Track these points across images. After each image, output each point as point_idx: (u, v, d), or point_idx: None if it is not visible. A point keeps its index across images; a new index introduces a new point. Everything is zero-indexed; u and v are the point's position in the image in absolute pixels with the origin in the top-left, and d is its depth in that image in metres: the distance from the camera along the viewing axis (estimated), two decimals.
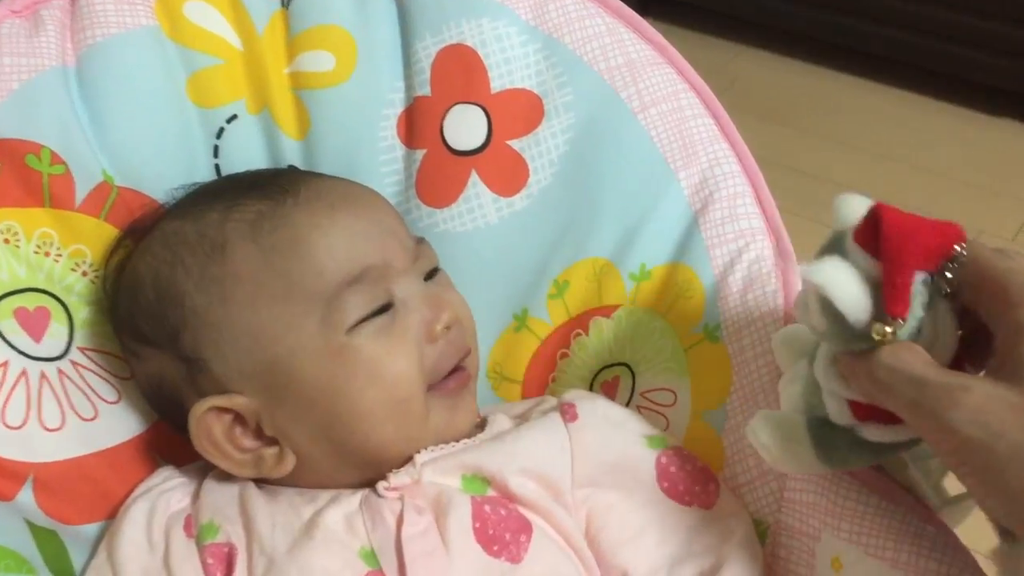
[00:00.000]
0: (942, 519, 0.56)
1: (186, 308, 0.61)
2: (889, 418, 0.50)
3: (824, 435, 0.53)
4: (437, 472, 0.61)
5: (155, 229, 0.65)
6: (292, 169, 0.71)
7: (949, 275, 0.48)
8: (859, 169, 1.82)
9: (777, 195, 0.73)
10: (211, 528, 0.60)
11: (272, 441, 0.62)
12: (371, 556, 0.57)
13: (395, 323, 0.61)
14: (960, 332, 0.50)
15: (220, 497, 0.62)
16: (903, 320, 0.47)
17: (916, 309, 0.48)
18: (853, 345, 0.49)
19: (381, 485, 0.60)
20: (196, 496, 0.63)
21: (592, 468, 0.64)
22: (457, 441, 0.64)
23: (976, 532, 0.54)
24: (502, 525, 0.59)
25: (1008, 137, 1.94)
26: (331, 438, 0.61)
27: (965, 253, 0.48)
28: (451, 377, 0.64)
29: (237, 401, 0.61)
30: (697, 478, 0.65)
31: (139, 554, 0.60)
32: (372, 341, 0.60)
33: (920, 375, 0.46)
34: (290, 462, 0.61)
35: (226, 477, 0.64)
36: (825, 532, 0.58)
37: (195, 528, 0.60)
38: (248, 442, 0.62)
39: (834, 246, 0.50)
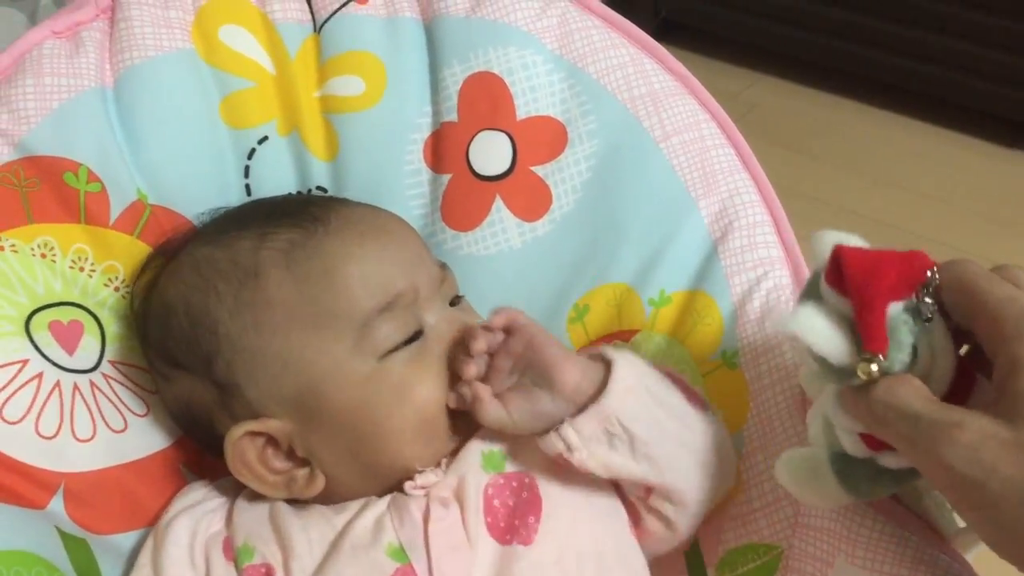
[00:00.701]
0: (954, 547, 0.56)
1: (220, 335, 0.63)
2: None
3: (846, 468, 0.53)
4: (461, 459, 0.62)
5: (184, 254, 0.66)
6: (319, 196, 0.73)
7: (928, 300, 0.48)
8: (873, 197, 1.82)
9: (792, 223, 0.74)
10: (247, 551, 0.61)
11: (303, 462, 0.63)
12: (400, 552, 0.58)
13: (425, 349, 0.63)
14: (963, 348, 0.51)
15: (251, 517, 0.63)
16: (883, 356, 0.47)
17: (903, 338, 0.48)
18: (848, 382, 0.49)
19: (408, 485, 0.61)
20: (229, 517, 0.64)
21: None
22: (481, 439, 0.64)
23: (990, 561, 0.55)
24: (509, 515, 0.60)
25: (1021, 168, 1.94)
26: (360, 458, 0.62)
27: (938, 277, 0.49)
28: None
29: (270, 425, 0.62)
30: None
31: (184, 572, 0.61)
32: (403, 366, 0.62)
33: (914, 411, 0.46)
34: (320, 483, 0.63)
35: (255, 496, 0.65)
36: (839, 558, 0.59)
37: (233, 551, 0.61)
38: (280, 464, 0.63)
39: (811, 289, 0.51)
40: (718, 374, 0.70)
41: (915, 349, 0.48)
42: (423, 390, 0.62)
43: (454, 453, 0.63)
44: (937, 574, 0.55)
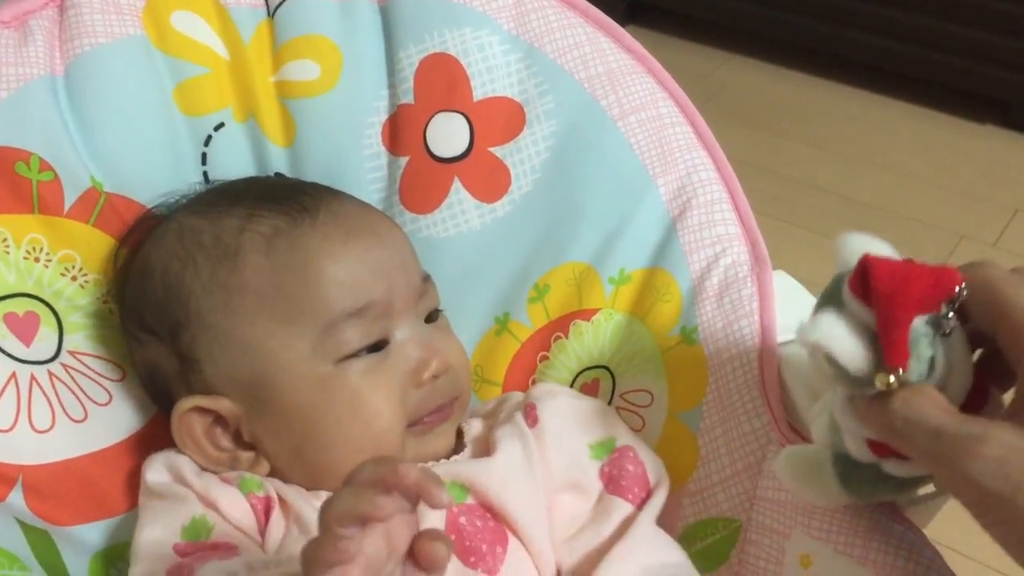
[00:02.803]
0: (909, 518, 0.57)
1: (190, 308, 0.63)
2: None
3: (849, 471, 0.53)
4: None
5: (173, 220, 0.67)
6: (315, 185, 0.72)
7: (951, 315, 0.47)
8: (844, 175, 1.83)
9: (762, 201, 0.74)
10: (254, 482, 0.61)
11: (249, 446, 0.63)
12: None
13: (385, 363, 0.63)
14: (977, 354, 0.50)
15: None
16: (903, 370, 0.46)
17: (923, 350, 0.47)
18: (863, 390, 0.48)
19: None
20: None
21: (548, 477, 0.65)
22: (436, 460, 0.65)
23: (941, 527, 0.55)
24: (478, 536, 0.60)
25: (991, 143, 1.96)
26: (303, 457, 0.62)
27: (965, 293, 0.47)
28: (432, 416, 0.65)
29: (221, 404, 0.62)
30: (636, 481, 0.67)
31: (184, 491, 0.61)
32: (359, 376, 0.62)
33: (935, 425, 0.45)
34: (264, 468, 0.63)
35: None
36: (796, 530, 0.60)
37: (234, 481, 0.61)
38: (225, 443, 0.64)
39: (834, 293, 0.50)
40: (677, 350, 0.70)
41: (932, 361, 0.47)
42: (375, 403, 0.62)
43: None
44: (891, 543, 0.55)
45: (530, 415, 0.67)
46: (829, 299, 0.50)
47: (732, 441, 0.66)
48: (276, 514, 0.60)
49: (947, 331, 0.47)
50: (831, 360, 0.49)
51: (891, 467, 0.51)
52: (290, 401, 0.61)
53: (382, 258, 0.65)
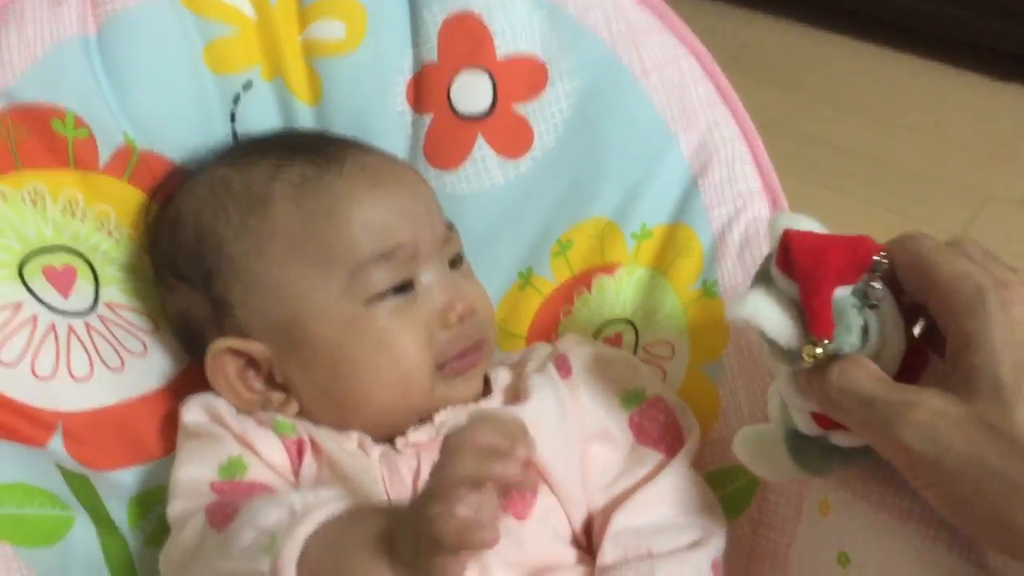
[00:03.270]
0: None
1: (222, 254, 0.65)
2: None
3: (799, 446, 0.54)
4: (449, 421, 0.64)
5: (203, 172, 0.69)
6: (341, 137, 0.73)
7: (876, 284, 0.49)
8: (868, 135, 1.82)
9: (785, 160, 0.75)
10: (287, 425, 0.63)
11: (280, 388, 0.65)
12: None
13: (412, 304, 0.64)
14: (918, 325, 0.51)
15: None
16: (829, 340, 0.48)
17: (851, 320, 0.49)
18: (797, 364, 0.50)
19: (399, 441, 0.63)
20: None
21: (581, 426, 0.66)
22: (466, 404, 0.66)
23: None
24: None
25: (1016, 102, 1.93)
26: (332, 395, 0.64)
27: (885, 262, 0.49)
28: (461, 359, 0.66)
29: (253, 347, 0.64)
30: (668, 431, 0.67)
31: (221, 430, 0.63)
32: (387, 316, 0.63)
33: (868, 393, 0.47)
34: (293, 409, 0.65)
35: None
36: (815, 478, 0.61)
37: (269, 423, 0.63)
38: (258, 385, 0.66)
39: (764, 272, 0.52)
40: (699, 303, 0.72)
41: (865, 330, 0.49)
42: (402, 342, 0.63)
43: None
44: (908, 489, 0.55)
45: (563, 367, 0.68)
46: (759, 279, 0.52)
47: (752, 392, 0.67)
48: (308, 457, 0.62)
49: (875, 302, 0.49)
50: (763, 335, 0.50)
51: (837, 438, 0.52)
52: (320, 341, 0.63)
53: (407, 204, 0.66)
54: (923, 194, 1.68)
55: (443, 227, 0.68)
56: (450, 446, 0.47)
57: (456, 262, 0.69)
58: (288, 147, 0.68)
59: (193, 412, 0.65)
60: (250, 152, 0.69)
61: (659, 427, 0.67)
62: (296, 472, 0.62)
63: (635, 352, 0.75)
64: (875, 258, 0.49)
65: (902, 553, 0.56)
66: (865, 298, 0.49)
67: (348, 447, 0.63)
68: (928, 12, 1.98)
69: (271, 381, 0.65)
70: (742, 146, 0.74)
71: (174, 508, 0.61)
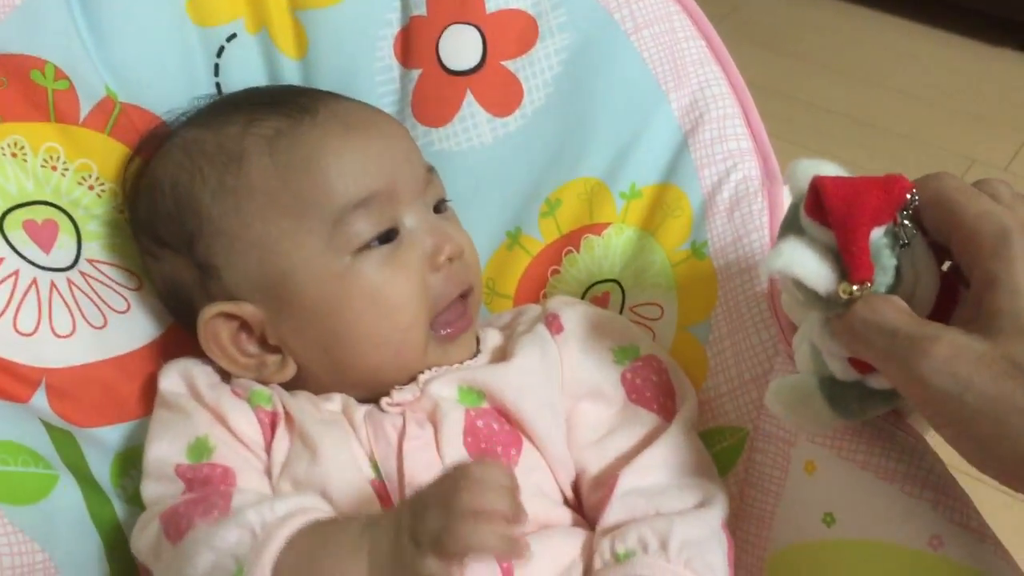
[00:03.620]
0: (912, 424, 0.58)
1: (202, 216, 0.63)
2: None
3: (836, 393, 0.54)
4: (436, 386, 0.64)
5: (176, 135, 0.67)
6: (312, 89, 0.72)
7: (907, 223, 0.49)
8: (857, 98, 1.82)
9: (774, 123, 0.74)
10: (263, 395, 0.63)
11: (275, 349, 0.64)
12: (374, 466, 0.60)
13: (399, 251, 0.63)
14: (945, 264, 0.51)
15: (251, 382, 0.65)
16: (870, 283, 0.48)
17: (885, 260, 0.48)
18: (835, 310, 0.50)
19: (384, 401, 0.63)
20: (230, 380, 0.65)
21: (571, 382, 0.66)
22: (459, 363, 0.66)
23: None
24: (493, 439, 0.62)
25: (1005, 66, 1.93)
26: (329, 354, 0.63)
27: (917, 200, 0.49)
28: (453, 323, 0.65)
29: (245, 309, 0.63)
30: (661, 390, 0.67)
31: (196, 405, 0.63)
32: (375, 268, 0.62)
33: (891, 326, 0.47)
34: (291, 370, 0.64)
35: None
36: (801, 437, 0.61)
37: (245, 394, 0.63)
38: (252, 348, 0.65)
39: (792, 221, 0.52)
40: (687, 264, 0.71)
41: (898, 270, 0.49)
42: (396, 295, 0.62)
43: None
44: (893, 449, 0.57)
45: (553, 324, 0.68)
46: (788, 227, 0.52)
47: (740, 353, 0.67)
48: (281, 429, 0.61)
49: (906, 240, 0.49)
50: (799, 285, 0.50)
51: (874, 381, 0.52)
52: (310, 298, 0.62)
53: (383, 148, 0.65)
54: (911, 157, 1.68)
55: (423, 170, 0.67)
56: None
57: (440, 207, 0.68)
58: (260, 102, 0.67)
59: (170, 379, 0.65)
60: (222, 110, 0.68)
61: (652, 386, 0.67)
62: (268, 446, 0.61)
63: (621, 312, 0.74)
64: (907, 196, 0.49)
65: (887, 512, 0.56)
66: (896, 238, 0.49)
67: (330, 409, 0.63)
68: None
69: (265, 343, 0.64)
70: (733, 105, 0.73)
71: (146, 488, 0.61)
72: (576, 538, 0.61)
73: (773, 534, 0.63)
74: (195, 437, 0.60)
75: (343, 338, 0.63)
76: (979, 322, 0.46)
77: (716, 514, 0.60)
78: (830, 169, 0.51)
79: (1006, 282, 0.45)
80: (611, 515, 0.60)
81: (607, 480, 0.62)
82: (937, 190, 0.49)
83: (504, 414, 0.63)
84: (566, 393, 0.65)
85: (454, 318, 0.66)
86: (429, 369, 0.65)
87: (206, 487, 0.58)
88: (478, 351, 0.68)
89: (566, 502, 0.64)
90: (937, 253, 0.51)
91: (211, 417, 0.62)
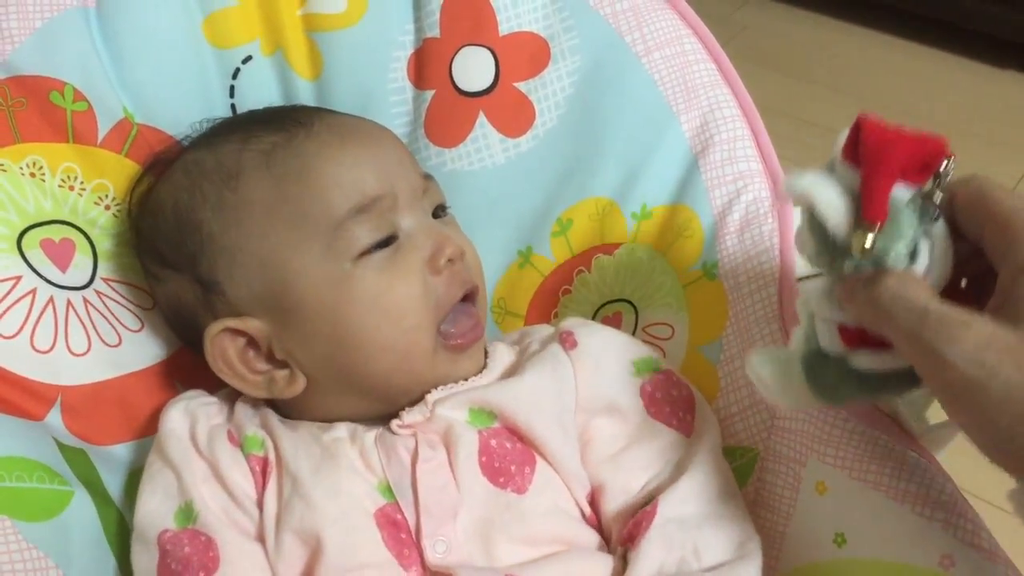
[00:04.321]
0: (924, 445, 0.58)
1: (203, 233, 0.64)
2: (879, 345, 0.50)
3: (816, 366, 0.53)
4: (446, 407, 0.63)
5: (178, 159, 0.68)
6: (309, 106, 0.73)
7: (939, 194, 0.48)
8: None
9: (780, 143, 0.74)
10: (256, 441, 0.62)
11: (283, 364, 0.64)
12: (387, 490, 0.60)
13: (399, 255, 0.63)
14: (954, 263, 0.50)
15: (252, 421, 0.65)
16: (879, 226, 0.47)
17: (905, 226, 0.48)
18: (840, 265, 0.49)
19: (395, 423, 0.62)
20: (231, 414, 0.65)
21: (588, 397, 0.66)
22: (465, 380, 0.66)
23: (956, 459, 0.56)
24: (507, 458, 0.62)
25: (1012, 88, 1.94)
26: (336, 363, 0.63)
27: (952, 171, 0.48)
28: (465, 333, 0.65)
29: (250, 324, 0.63)
30: (680, 405, 0.67)
31: (192, 457, 0.62)
32: (375, 273, 0.62)
33: (923, 306, 0.46)
34: (300, 384, 0.64)
35: (252, 405, 0.66)
36: (811, 458, 0.61)
37: (239, 439, 0.63)
38: (260, 365, 0.64)
39: (829, 164, 0.51)
40: (698, 284, 0.72)
41: (916, 247, 0.48)
42: (396, 297, 0.62)
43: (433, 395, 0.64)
44: (904, 469, 0.57)
45: (567, 340, 0.67)
46: (824, 169, 0.51)
47: (745, 362, 0.67)
48: (272, 481, 0.61)
49: (934, 215, 0.48)
50: (812, 221, 0.49)
51: (859, 359, 0.51)
52: (313, 307, 0.62)
53: (379, 156, 0.65)
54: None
55: (419, 178, 0.67)
56: None
57: (439, 212, 0.68)
58: (257, 120, 0.68)
59: (172, 420, 0.64)
60: (220, 131, 0.69)
61: (672, 400, 0.66)
62: (260, 498, 0.61)
63: (634, 332, 0.75)
64: (943, 160, 0.48)
65: (898, 532, 0.56)
66: (924, 211, 0.48)
67: (334, 437, 0.62)
68: None
69: (273, 359, 0.64)
70: (743, 126, 0.74)
71: (133, 554, 0.61)
72: (601, 564, 0.60)
73: (784, 554, 0.63)
74: (184, 501, 0.61)
75: (348, 345, 0.62)
76: (1006, 310, 0.46)
77: (755, 564, 0.60)
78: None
79: None
80: (649, 545, 0.59)
81: (626, 494, 0.62)
82: (976, 186, 0.49)
83: (516, 433, 0.63)
84: (581, 408, 0.65)
85: (466, 328, 0.65)
86: (436, 388, 0.64)
87: (183, 566, 0.58)
88: (485, 365, 0.68)
89: (584, 518, 0.64)
90: (957, 268, 0.50)
91: (205, 467, 0.62)
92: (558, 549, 0.60)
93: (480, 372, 0.67)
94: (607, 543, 0.63)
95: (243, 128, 0.67)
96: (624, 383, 0.66)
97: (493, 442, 0.62)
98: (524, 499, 0.61)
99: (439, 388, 0.64)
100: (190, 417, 0.64)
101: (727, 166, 0.73)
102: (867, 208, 0.47)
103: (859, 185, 0.48)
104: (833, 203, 0.48)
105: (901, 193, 0.48)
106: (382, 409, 0.64)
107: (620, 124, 0.74)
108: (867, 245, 0.47)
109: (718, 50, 0.76)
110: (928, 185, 0.48)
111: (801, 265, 0.68)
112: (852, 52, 2.03)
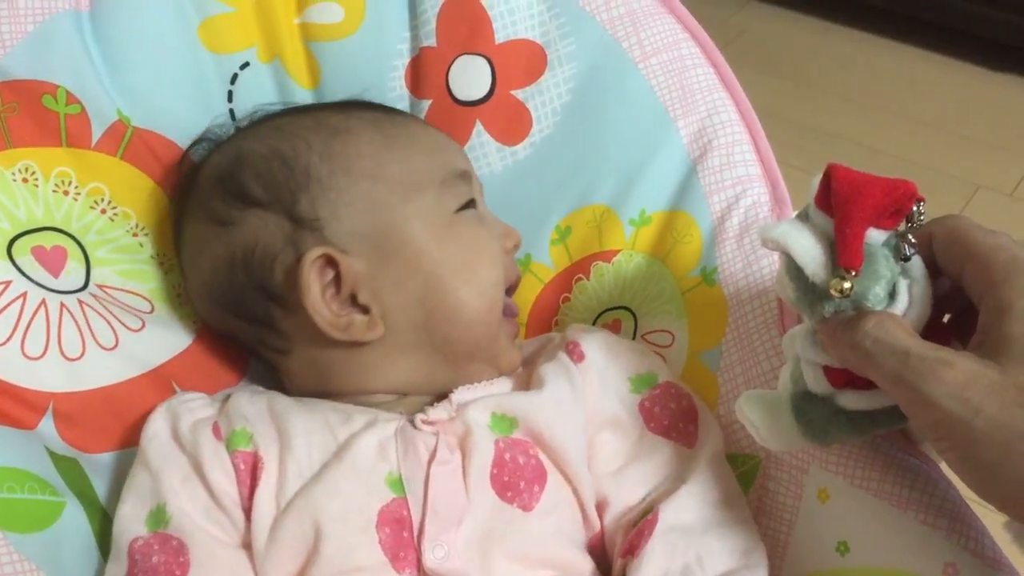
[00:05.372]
0: (926, 452, 0.58)
1: (311, 176, 0.65)
2: (866, 384, 0.51)
3: (804, 407, 0.54)
4: (470, 409, 0.63)
5: (255, 124, 0.71)
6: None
7: (910, 236, 0.49)
8: (862, 123, 1.82)
9: (779, 148, 0.74)
10: (243, 435, 0.61)
11: (364, 310, 0.64)
12: (398, 483, 0.59)
13: (483, 221, 0.69)
14: (946, 317, 0.52)
15: (248, 409, 0.63)
16: (855, 273, 0.48)
17: (881, 269, 0.49)
18: (819, 309, 0.50)
19: (419, 417, 0.62)
20: (222, 409, 0.64)
21: (594, 411, 0.66)
22: (491, 381, 0.66)
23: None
24: (518, 473, 0.61)
25: (1010, 92, 1.94)
26: (426, 308, 0.64)
27: (924, 214, 0.49)
28: (510, 320, 0.69)
29: (345, 259, 0.63)
30: (680, 417, 0.67)
31: (173, 455, 0.61)
32: (474, 225, 0.67)
33: (904, 347, 0.47)
34: (379, 330, 0.64)
35: (250, 394, 0.66)
36: (813, 465, 0.61)
37: (223, 434, 0.61)
38: (337, 306, 0.64)
39: (801, 214, 0.52)
40: (697, 291, 0.71)
41: (893, 292, 0.49)
42: (490, 249, 0.67)
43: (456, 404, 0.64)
44: (907, 476, 0.56)
45: (575, 352, 0.67)
46: (797, 216, 0.52)
47: (752, 380, 0.66)
48: (267, 475, 0.59)
49: (906, 255, 0.49)
50: (791, 267, 0.50)
51: (846, 399, 0.52)
52: (420, 245, 0.64)
53: (461, 149, 0.73)
54: (916, 183, 1.68)
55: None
56: None
57: None
58: (351, 104, 0.72)
59: (155, 421, 0.63)
60: (304, 108, 0.72)
61: (671, 414, 0.66)
62: (248, 495, 0.59)
63: (633, 339, 0.74)
64: (914, 207, 0.49)
65: (901, 540, 0.56)
66: (898, 251, 0.49)
67: (350, 430, 0.61)
68: (924, 1, 1.98)
69: (354, 303, 0.64)
70: (742, 131, 0.73)
71: (107, 568, 0.60)
72: None
73: (787, 563, 0.62)
74: (156, 504, 0.59)
75: (445, 287, 0.64)
76: (987, 348, 0.46)
77: (761, 574, 0.60)
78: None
79: (1018, 310, 0.46)
80: (651, 554, 0.59)
81: (626, 508, 0.63)
82: (953, 225, 0.50)
83: (538, 442, 0.63)
84: (588, 421, 0.65)
85: (511, 309, 0.70)
86: (460, 388, 0.64)
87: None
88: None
89: (591, 551, 0.63)
90: (938, 305, 0.51)
91: (187, 463, 0.60)
92: (552, 574, 0.60)
93: (499, 377, 0.67)
94: (610, 559, 0.62)
95: (340, 106, 0.71)
96: (624, 400, 0.67)
97: (507, 456, 0.61)
98: (529, 517, 0.60)
99: (465, 387, 0.65)
100: (171, 416, 0.63)
101: (726, 171, 0.72)
102: (842, 256, 0.48)
103: (833, 232, 0.49)
104: (809, 250, 0.50)
105: (875, 236, 0.49)
106: (430, 381, 0.65)
107: (617, 130, 0.74)
108: (846, 289, 0.48)
109: (716, 54, 0.76)
110: (902, 226, 0.49)
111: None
112: (850, 55, 2.03)
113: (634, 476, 0.64)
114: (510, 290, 0.70)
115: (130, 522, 0.59)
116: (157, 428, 0.63)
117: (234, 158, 0.67)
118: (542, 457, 0.62)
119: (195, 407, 0.64)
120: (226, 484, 0.60)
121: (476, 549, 0.59)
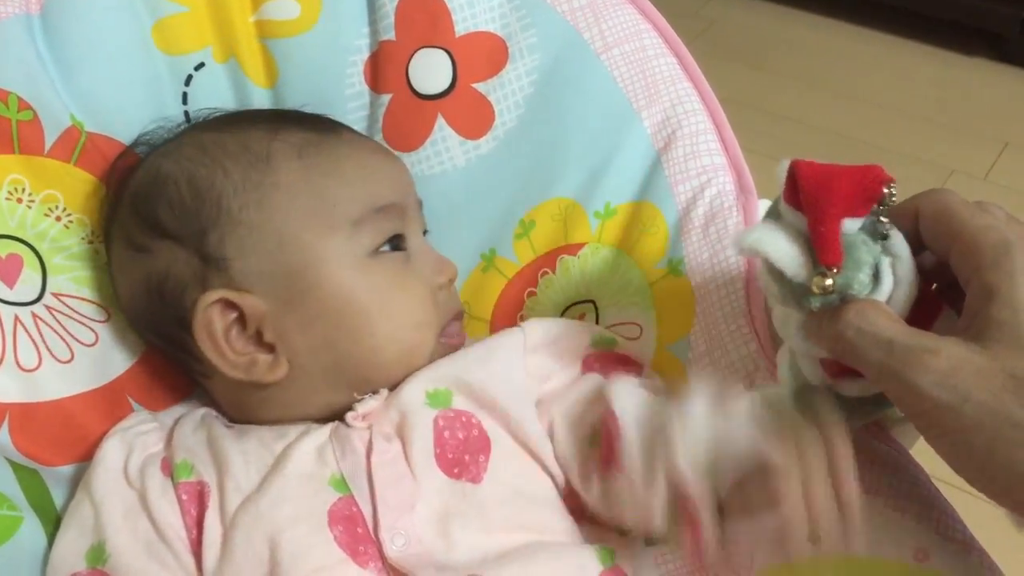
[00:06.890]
0: (895, 436, 0.58)
1: (221, 208, 0.63)
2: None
3: (806, 401, 0.53)
4: (403, 391, 0.63)
5: (183, 137, 0.68)
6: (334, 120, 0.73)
7: (884, 219, 0.48)
8: (833, 110, 1.83)
9: (750, 137, 0.74)
10: (185, 467, 0.61)
11: (269, 348, 0.63)
12: (341, 483, 0.59)
13: (409, 263, 0.66)
14: (935, 286, 0.51)
15: (190, 440, 0.63)
16: (836, 270, 0.47)
17: (862, 257, 0.48)
18: (806, 304, 0.49)
19: (349, 415, 0.62)
20: (169, 440, 0.64)
21: (534, 367, 0.66)
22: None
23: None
24: (460, 448, 0.61)
25: (980, 76, 1.95)
26: (335, 350, 0.63)
27: (895, 194, 0.48)
28: (454, 336, 0.67)
29: (247, 300, 0.62)
30: (625, 367, 0.68)
31: (118, 488, 0.61)
32: (391, 270, 0.64)
33: (887, 337, 0.46)
34: (283, 370, 0.63)
35: (195, 422, 0.65)
36: None
37: (171, 468, 0.61)
38: (242, 345, 0.63)
39: (771, 212, 0.51)
40: (664, 282, 0.71)
41: (876, 274, 0.48)
42: (411, 294, 0.65)
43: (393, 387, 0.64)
44: (876, 463, 0.56)
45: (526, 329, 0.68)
46: (768, 215, 0.52)
47: (721, 369, 0.66)
48: (213, 500, 0.59)
49: (883, 233, 0.48)
50: (771, 271, 0.49)
51: (845, 387, 0.52)
52: (328, 289, 0.62)
53: (398, 172, 0.70)
54: (889, 169, 1.69)
55: (418, 201, 0.70)
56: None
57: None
58: (279, 117, 0.69)
59: (109, 448, 0.63)
60: (236, 120, 0.69)
61: (615, 360, 0.68)
62: (195, 525, 0.59)
63: None
64: (885, 190, 0.48)
65: (871, 527, 0.55)
66: (875, 233, 0.48)
67: (285, 442, 0.61)
68: None
69: (259, 341, 0.63)
70: (706, 120, 0.73)
71: None
72: (570, 563, 0.59)
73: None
74: (97, 540, 0.59)
75: (358, 332, 0.62)
76: (974, 331, 0.45)
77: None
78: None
79: (1006, 294, 0.45)
80: (619, 398, 0.60)
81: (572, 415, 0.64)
82: (940, 202, 0.49)
83: (478, 401, 0.63)
84: (529, 374, 0.66)
85: (454, 333, 0.68)
86: None
87: None
88: None
89: (559, 494, 0.63)
90: (927, 276, 0.51)
91: (133, 498, 0.60)
92: (524, 537, 0.59)
93: None
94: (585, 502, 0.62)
95: (268, 121, 0.68)
96: (572, 353, 0.68)
97: (447, 433, 0.61)
98: (480, 488, 0.60)
99: None
100: (126, 447, 0.63)
101: (690, 161, 0.72)
102: (821, 254, 0.47)
103: (807, 230, 0.48)
104: (786, 252, 0.49)
105: (850, 225, 0.48)
106: (345, 402, 0.63)
107: (581, 122, 0.74)
108: (828, 285, 0.47)
109: (679, 44, 0.75)
110: (874, 210, 0.48)
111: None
112: (820, 44, 2.04)
113: (575, 394, 0.65)
114: (457, 318, 0.69)
115: (69, 557, 0.60)
116: (109, 457, 0.63)
117: (152, 180, 0.66)
118: (485, 425, 0.62)
119: (148, 441, 0.64)
120: (171, 516, 0.59)
121: (436, 530, 0.59)
